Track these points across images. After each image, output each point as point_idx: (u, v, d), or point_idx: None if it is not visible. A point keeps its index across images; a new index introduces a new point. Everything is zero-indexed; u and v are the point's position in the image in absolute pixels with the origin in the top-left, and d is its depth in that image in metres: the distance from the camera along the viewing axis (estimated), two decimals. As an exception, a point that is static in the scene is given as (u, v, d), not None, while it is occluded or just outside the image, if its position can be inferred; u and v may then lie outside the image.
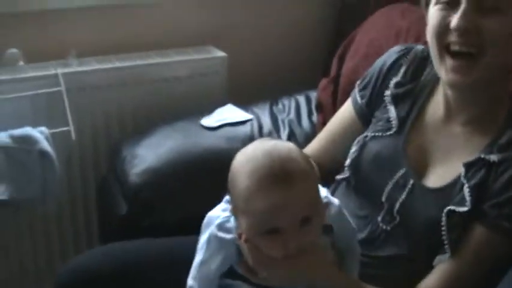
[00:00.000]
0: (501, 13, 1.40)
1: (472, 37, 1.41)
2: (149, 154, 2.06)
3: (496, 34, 1.40)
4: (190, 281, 1.38)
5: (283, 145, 1.31)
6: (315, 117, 2.29)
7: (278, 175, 1.23)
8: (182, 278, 1.43)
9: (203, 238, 1.37)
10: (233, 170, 1.30)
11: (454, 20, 1.41)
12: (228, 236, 1.34)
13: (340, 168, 1.68)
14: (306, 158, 1.31)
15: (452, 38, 1.43)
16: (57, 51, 2.27)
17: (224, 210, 1.38)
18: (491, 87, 1.48)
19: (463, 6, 1.40)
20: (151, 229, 1.90)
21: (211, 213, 1.39)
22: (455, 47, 1.43)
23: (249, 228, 1.27)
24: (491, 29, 1.40)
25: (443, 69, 1.47)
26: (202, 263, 1.36)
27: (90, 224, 2.44)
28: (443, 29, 1.44)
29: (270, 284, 1.34)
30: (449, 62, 1.45)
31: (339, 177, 1.68)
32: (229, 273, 1.37)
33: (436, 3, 1.47)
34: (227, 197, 1.39)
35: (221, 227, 1.35)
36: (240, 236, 1.32)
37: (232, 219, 1.34)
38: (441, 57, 1.46)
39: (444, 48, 1.45)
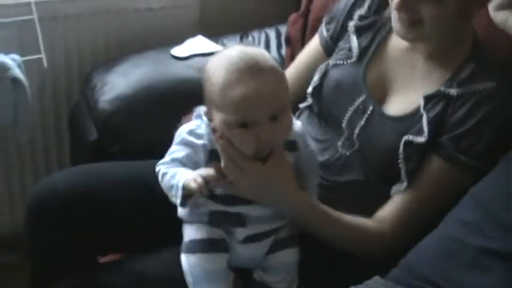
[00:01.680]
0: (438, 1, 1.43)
1: (411, 11, 1.45)
2: (119, 82, 2.07)
3: (431, 15, 1.44)
4: (164, 170, 1.39)
5: (258, 48, 1.42)
6: (283, 51, 2.30)
7: (252, 68, 1.31)
8: (146, 198, 1.51)
9: (173, 144, 1.42)
10: (209, 68, 1.36)
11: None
12: (199, 141, 1.39)
13: (304, 99, 1.71)
14: (276, 62, 1.38)
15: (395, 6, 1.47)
16: None
17: (194, 121, 1.42)
18: (452, 26, 1.50)
19: None
20: (121, 155, 1.90)
21: (182, 127, 1.43)
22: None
23: (224, 123, 1.33)
24: (427, 11, 1.44)
25: (393, 20, 1.52)
26: (174, 158, 1.39)
27: (61, 151, 2.45)
28: None
29: (236, 193, 1.38)
30: (396, 15, 1.49)
31: (302, 105, 1.72)
32: None
33: None
34: (196, 112, 1.43)
35: (192, 132, 1.40)
36: (214, 130, 1.36)
37: (202, 126, 1.39)
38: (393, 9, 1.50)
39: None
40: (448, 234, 1.33)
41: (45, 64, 2.12)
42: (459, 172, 1.47)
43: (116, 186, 1.61)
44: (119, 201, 1.59)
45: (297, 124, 1.46)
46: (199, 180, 1.29)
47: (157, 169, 1.41)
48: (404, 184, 1.48)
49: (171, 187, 1.36)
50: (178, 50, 2.22)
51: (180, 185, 1.32)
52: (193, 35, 2.34)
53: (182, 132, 1.41)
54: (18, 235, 1.72)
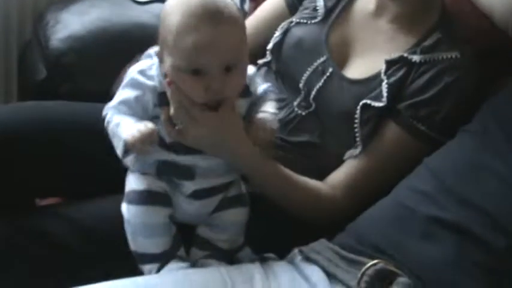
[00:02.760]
0: None
1: None
2: (73, 21, 2.04)
3: None
4: (111, 118, 1.33)
5: None
6: (247, 6, 2.21)
7: (209, 12, 1.25)
8: (92, 140, 1.44)
9: (121, 84, 1.37)
10: (165, 9, 1.31)
11: None
12: (149, 82, 1.34)
13: (263, 54, 1.68)
14: (237, 8, 1.33)
15: None
16: None
17: (146, 61, 1.37)
18: None
19: None
20: (69, 96, 1.83)
21: (133, 67, 1.38)
22: None
23: (175, 68, 1.28)
24: None
25: None
26: (123, 100, 1.33)
27: (9, 88, 2.39)
28: None
29: (184, 141, 1.34)
30: None
31: (261, 61, 1.68)
32: None
33: None
34: (147, 52, 1.39)
35: (142, 72, 1.35)
36: (165, 74, 1.32)
37: (154, 67, 1.34)
38: None
39: None
40: (400, 202, 1.32)
41: (-2, -3, 2.07)
42: (415, 141, 1.45)
43: (59, 126, 1.56)
44: (61, 142, 1.53)
45: (249, 69, 1.40)
46: (137, 136, 1.24)
47: (104, 113, 1.35)
48: (359, 149, 1.47)
49: (114, 136, 1.32)
50: (138, -6, 2.20)
51: (123, 137, 1.27)
52: (155, -20, 2.29)
53: (132, 71, 1.35)
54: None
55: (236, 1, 2.24)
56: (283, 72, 1.62)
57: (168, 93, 1.32)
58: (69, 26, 2.02)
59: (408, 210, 1.28)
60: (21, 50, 2.24)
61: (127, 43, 1.99)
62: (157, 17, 1.98)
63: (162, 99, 1.33)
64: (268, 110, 1.40)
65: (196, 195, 1.37)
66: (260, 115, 1.38)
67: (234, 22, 1.29)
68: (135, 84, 1.34)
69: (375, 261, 1.22)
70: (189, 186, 1.36)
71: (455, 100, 1.44)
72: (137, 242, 1.34)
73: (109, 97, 1.48)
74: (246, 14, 2.19)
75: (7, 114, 1.57)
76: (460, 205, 1.23)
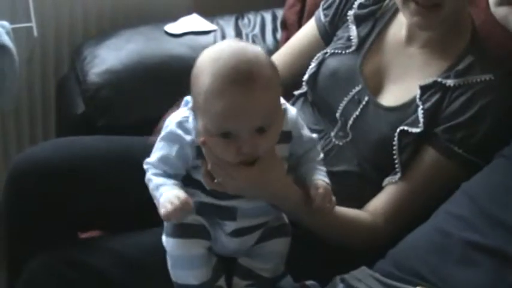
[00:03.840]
0: None
1: None
2: (110, 55, 2.05)
3: None
4: (151, 177, 1.33)
5: (252, 49, 1.26)
6: (279, 35, 2.27)
7: (241, 77, 1.20)
8: (130, 175, 1.44)
9: (160, 136, 1.34)
10: (197, 66, 1.25)
11: None
12: (187, 137, 1.30)
13: (298, 85, 1.69)
14: (273, 65, 1.27)
15: None
16: None
17: (184, 112, 1.34)
18: (454, 15, 1.49)
19: None
20: (107, 130, 1.87)
21: (171, 117, 1.36)
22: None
23: (206, 129, 1.25)
24: None
25: (407, 12, 1.49)
26: (163, 158, 1.32)
27: (47, 123, 2.43)
28: None
29: (225, 191, 1.32)
30: (412, 6, 1.46)
31: (297, 92, 1.69)
32: (186, 180, 1.35)
33: None
34: (186, 99, 1.36)
35: (180, 125, 1.31)
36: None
37: (191, 118, 1.31)
38: (405, 2, 1.48)
39: None
40: (439, 227, 1.32)
41: (35, 33, 2.09)
42: (453, 164, 1.45)
43: (99, 161, 1.58)
44: (99, 177, 1.56)
45: (291, 111, 1.37)
46: (171, 209, 1.24)
47: (145, 167, 1.35)
48: (398, 175, 1.47)
49: (154, 197, 1.31)
50: (172, 27, 2.20)
51: (159, 208, 1.27)
52: (188, 13, 2.31)
53: (171, 123, 1.33)
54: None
55: (268, 30, 2.29)
56: (320, 103, 1.63)
57: (204, 150, 1.29)
58: (105, 60, 2.04)
59: (447, 236, 1.28)
60: (59, 84, 2.26)
61: (162, 76, 2.02)
62: (192, 48, 2.09)
63: (200, 152, 1.30)
64: (325, 180, 1.38)
65: (238, 233, 1.36)
66: (315, 182, 1.36)
67: (266, 85, 1.22)
68: (173, 138, 1.31)
69: (417, 287, 1.22)
70: (231, 226, 1.35)
71: (491, 122, 1.44)
72: (177, 273, 1.34)
73: (146, 131, 1.51)
74: (278, 44, 2.23)
75: (47, 150, 1.59)
76: (498, 229, 1.23)
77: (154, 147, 1.35)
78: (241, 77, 1.20)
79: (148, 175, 1.33)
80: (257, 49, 1.27)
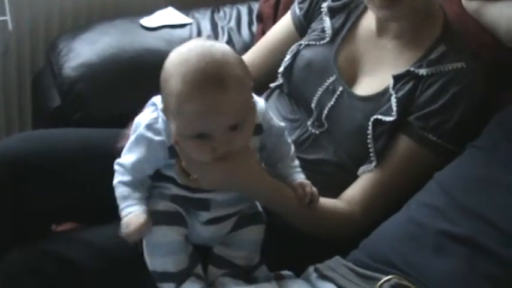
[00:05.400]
0: None
1: None
2: (85, 49, 2.05)
3: None
4: (118, 184, 1.35)
5: (219, 48, 1.25)
6: (254, 28, 2.28)
7: (210, 79, 1.20)
8: (100, 167, 1.44)
9: (131, 139, 1.35)
10: (166, 70, 1.25)
11: None
12: (157, 138, 1.31)
13: (274, 77, 1.70)
14: (242, 62, 1.27)
15: None
16: None
17: (152, 113, 1.35)
18: (424, 6, 1.51)
19: None
20: (83, 123, 1.87)
21: (139, 118, 1.36)
22: None
23: (179, 131, 1.25)
24: None
25: (372, 6, 1.51)
26: (134, 163, 1.33)
27: (23, 117, 2.43)
28: None
29: (201, 187, 1.33)
30: (377, 0, 1.48)
31: (272, 84, 1.71)
32: (158, 175, 1.36)
33: None
34: (152, 100, 1.37)
35: (150, 127, 1.32)
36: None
37: (160, 120, 1.32)
38: None
39: None
40: (411, 217, 1.33)
41: (9, 26, 2.08)
42: (427, 152, 1.47)
43: (68, 153, 1.56)
44: (73, 169, 1.55)
45: (260, 104, 1.38)
46: (129, 232, 1.29)
47: (115, 167, 1.36)
48: (373, 164, 1.48)
49: (119, 206, 1.34)
50: (147, 21, 2.20)
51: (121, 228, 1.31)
52: (164, 6, 2.32)
53: (140, 125, 1.34)
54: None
55: (244, 23, 2.29)
56: (295, 94, 1.64)
57: (177, 150, 1.30)
58: (81, 54, 2.03)
59: (419, 226, 1.29)
60: (35, 78, 2.25)
61: (138, 69, 2.01)
62: (167, 41, 2.09)
63: (172, 153, 1.31)
64: (300, 174, 1.43)
65: (212, 222, 1.37)
66: (298, 181, 1.40)
67: (236, 84, 1.22)
68: (143, 141, 1.32)
69: (389, 276, 1.23)
70: (205, 215, 1.36)
71: (463, 109, 1.46)
72: (154, 261, 1.34)
73: (122, 124, 1.50)
74: (253, 37, 2.24)
75: (17, 143, 1.57)
76: (469, 219, 1.25)
77: (126, 148, 1.36)
78: (210, 79, 1.20)
79: (116, 182, 1.35)
80: (224, 47, 1.27)
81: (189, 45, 1.27)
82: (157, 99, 1.34)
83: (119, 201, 1.34)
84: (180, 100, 1.21)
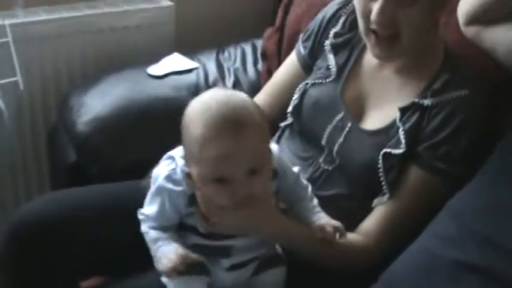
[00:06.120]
0: (417, 4, 1.44)
1: (389, 26, 1.46)
2: (96, 103, 2.06)
3: (412, 22, 1.46)
4: (147, 230, 1.39)
5: (238, 96, 1.31)
6: (260, 66, 2.31)
7: (231, 124, 1.24)
8: (124, 220, 1.47)
9: (151, 190, 1.39)
10: (187, 117, 1.29)
11: (373, 13, 1.46)
12: (177, 188, 1.35)
13: (285, 116, 1.73)
14: (259, 109, 1.31)
15: (372, 24, 1.48)
16: (4, 1, 2.23)
17: (169, 165, 1.39)
18: (424, 36, 1.52)
19: (380, 1, 1.45)
20: (100, 176, 1.90)
21: (157, 170, 1.40)
22: (376, 30, 1.49)
23: (200, 176, 1.29)
24: (408, 19, 1.45)
25: (369, 44, 1.53)
26: (157, 214, 1.37)
27: (41, 173, 2.45)
28: (366, 14, 1.49)
29: (221, 232, 1.36)
30: (373, 39, 1.51)
31: (283, 124, 1.73)
32: (179, 225, 1.39)
33: None
34: (168, 154, 1.41)
35: (169, 178, 1.36)
36: (189, 176, 1.33)
37: (178, 170, 1.35)
38: (367, 33, 1.52)
39: (368, 27, 1.50)
40: (426, 248, 1.34)
41: (21, 87, 2.10)
42: (438, 180, 1.48)
43: (94, 211, 1.60)
44: (97, 226, 1.58)
45: (273, 149, 1.41)
46: (171, 266, 1.30)
47: (140, 217, 1.40)
48: (386, 196, 1.50)
49: (151, 250, 1.37)
50: (154, 69, 2.22)
51: (159, 267, 1.33)
52: (169, 52, 2.34)
53: (159, 177, 1.37)
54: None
55: (249, 62, 2.32)
56: (306, 132, 1.66)
57: (197, 196, 1.34)
58: (92, 108, 2.04)
59: (434, 257, 1.30)
60: (49, 135, 2.27)
61: (149, 118, 2.03)
62: (176, 88, 2.12)
63: (193, 200, 1.35)
64: (319, 213, 1.44)
65: (234, 268, 1.40)
66: (317, 224, 1.42)
67: (255, 129, 1.27)
68: (164, 192, 1.36)
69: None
70: (226, 262, 1.39)
71: (470, 135, 1.47)
72: None
73: (140, 174, 1.52)
74: (259, 74, 2.26)
75: (43, 204, 1.61)
76: (481, 246, 1.25)
77: (147, 200, 1.40)
78: (231, 124, 1.24)
79: (144, 228, 1.38)
80: (242, 95, 1.32)
81: (209, 93, 1.32)
82: (173, 153, 1.39)
83: (150, 245, 1.37)
84: (202, 145, 1.25)
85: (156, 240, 1.36)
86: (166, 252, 1.32)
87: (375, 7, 1.46)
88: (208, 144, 1.24)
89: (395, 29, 1.47)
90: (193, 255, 1.32)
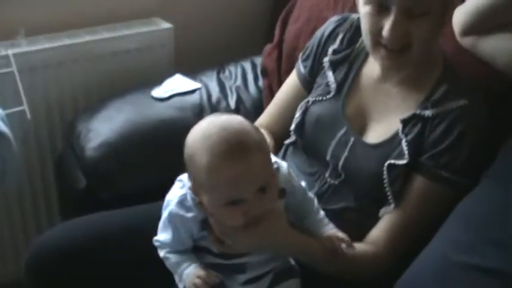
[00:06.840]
0: (429, 14, 1.47)
1: (401, 40, 1.49)
2: (103, 128, 2.06)
3: (423, 32, 1.48)
4: (166, 255, 1.43)
5: (235, 119, 1.32)
6: (261, 82, 2.32)
7: (235, 148, 1.26)
8: (140, 246, 1.51)
9: (164, 216, 1.42)
10: (189, 149, 1.31)
11: (386, 30, 1.47)
12: (189, 214, 1.38)
13: (289, 135, 1.75)
14: (257, 129, 1.33)
15: (384, 40, 1.50)
16: (6, 31, 2.23)
17: (180, 188, 1.42)
18: (427, 52, 1.55)
19: (393, 15, 1.46)
20: (110, 201, 1.92)
21: (169, 195, 1.43)
22: (387, 44, 1.51)
23: (211, 203, 1.31)
24: (419, 30, 1.47)
25: (377, 56, 1.55)
26: (172, 240, 1.40)
27: (49, 201, 2.46)
28: (376, 32, 1.51)
29: (236, 251, 1.40)
30: (382, 51, 1.52)
31: (286, 142, 1.76)
32: (195, 247, 1.43)
33: (366, 4, 1.51)
34: (179, 177, 1.43)
35: (181, 204, 1.39)
36: (200, 204, 1.35)
37: (188, 197, 1.38)
38: (375, 47, 1.54)
39: (377, 42, 1.52)
40: (438, 254, 1.36)
41: (28, 116, 2.09)
42: (442, 188, 1.51)
43: (109, 238, 1.63)
44: (113, 252, 1.61)
45: (283, 167, 1.44)
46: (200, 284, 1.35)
47: (156, 244, 1.44)
48: (392, 205, 1.53)
49: (175, 273, 1.42)
50: (158, 91, 2.23)
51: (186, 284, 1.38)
52: (171, 73, 2.35)
53: (171, 203, 1.41)
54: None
55: (250, 80, 2.33)
56: (310, 149, 1.68)
57: (210, 221, 1.37)
58: (100, 133, 2.05)
59: (448, 262, 1.31)
60: (56, 162, 2.28)
61: (156, 140, 2.04)
62: (180, 109, 2.13)
63: (205, 225, 1.38)
64: (328, 225, 1.48)
65: (250, 282, 1.43)
66: (325, 235, 1.45)
67: (257, 147, 1.28)
68: (176, 218, 1.40)
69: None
70: (242, 277, 1.43)
71: (471, 143, 1.50)
72: None
73: (150, 197, 1.55)
74: (261, 91, 2.28)
75: (59, 233, 1.65)
76: (494, 249, 1.27)
77: (160, 227, 1.43)
78: (235, 148, 1.26)
79: (163, 254, 1.42)
80: (239, 118, 1.34)
81: (207, 121, 1.33)
82: (183, 176, 1.41)
83: (172, 269, 1.42)
84: (210, 173, 1.27)
85: (177, 264, 1.41)
86: (189, 274, 1.37)
87: (387, 24, 1.47)
88: (216, 171, 1.26)
89: (407, 41, 1.49)
90: (213, 274, 1.36)
